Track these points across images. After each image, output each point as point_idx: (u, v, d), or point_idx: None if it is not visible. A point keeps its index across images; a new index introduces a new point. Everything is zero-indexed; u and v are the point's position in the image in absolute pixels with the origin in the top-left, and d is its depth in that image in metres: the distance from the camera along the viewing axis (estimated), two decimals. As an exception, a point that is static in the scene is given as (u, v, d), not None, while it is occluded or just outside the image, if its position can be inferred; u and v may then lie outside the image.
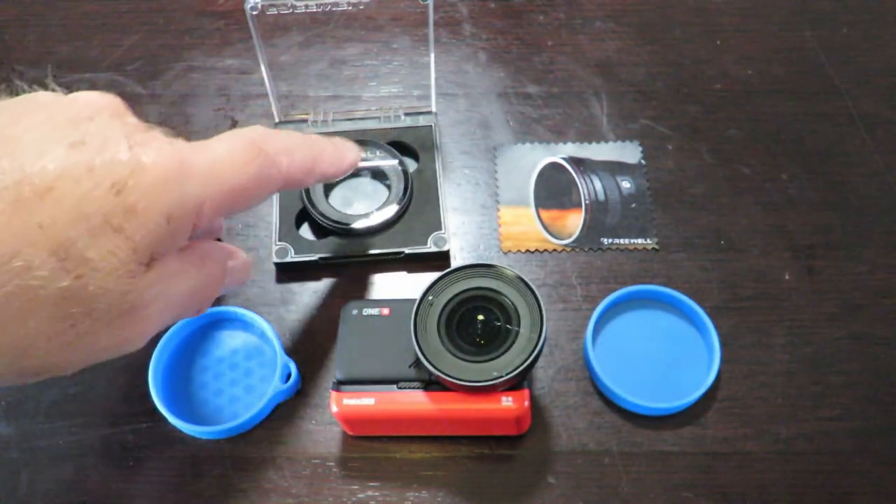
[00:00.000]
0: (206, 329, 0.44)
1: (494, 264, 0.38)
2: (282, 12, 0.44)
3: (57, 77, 0.55)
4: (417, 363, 0.38)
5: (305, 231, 0.47)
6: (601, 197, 0.49)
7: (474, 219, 0.49)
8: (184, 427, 0.40)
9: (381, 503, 0.39)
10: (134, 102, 0.54)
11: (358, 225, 0.46)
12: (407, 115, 0.51)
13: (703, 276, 0.46)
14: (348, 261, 0.46)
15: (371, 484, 0.40)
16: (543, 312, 0.37)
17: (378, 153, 0.49)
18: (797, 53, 0.55)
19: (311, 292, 0.46)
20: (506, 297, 0.38)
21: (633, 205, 0.49)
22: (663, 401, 0.41)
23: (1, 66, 0.56)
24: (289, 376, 0.42)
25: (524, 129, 0.52)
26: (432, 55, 0.47)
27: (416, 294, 0.38)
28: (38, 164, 0.27)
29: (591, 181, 0.50)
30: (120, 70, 0.55)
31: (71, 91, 0.32)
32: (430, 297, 0.38)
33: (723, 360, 0.42)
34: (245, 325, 0.44)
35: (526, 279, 0.38)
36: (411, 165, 0.49)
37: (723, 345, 0.42)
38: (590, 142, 0.51)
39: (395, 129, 0.50)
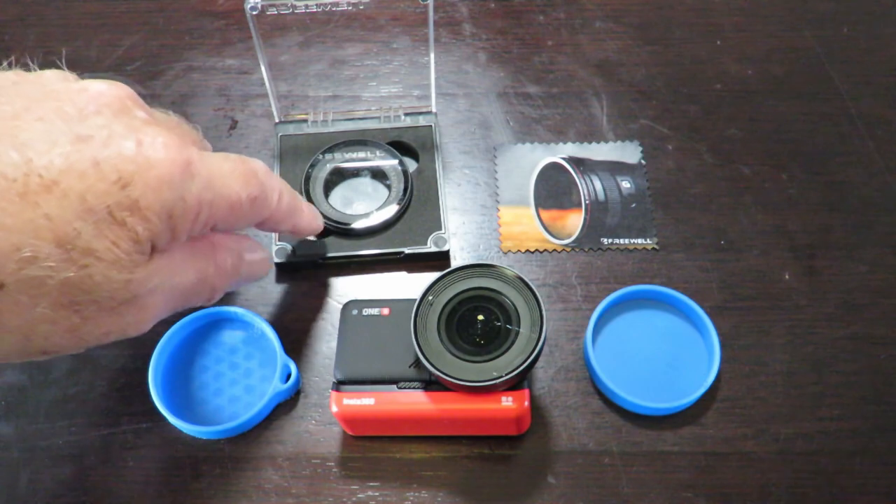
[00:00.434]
0: (206, 329, 0.44)
1: (494, 264, 0.38)
2: (282, 12, 0.44)
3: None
4: (417, 363, 0.38)
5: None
6: (601, 197, 0.49)
7: (474, 219, 0.49)
8: (184, 427, 0.40)
9: (381, 503, 0.39)
10: (134, 102, 0.54)
11: (358, 225, 0.46)
12: (407, 115, 0.51)
13: (703, 276, 0.46)
14: (348, 261, 0.46)
15: (371, 484, 0.40)
16: (543, 312, 0.37)
17: (378, 153, 0.49)
18: (797, 53, 0.55)
19: (311, 292, 0.46)
20: (506, 297, 0.38)
21: (633, 205, 0.49)
22: (663, 401, 0.41)
23: (1, 66, 0.56)
24: (289, 376, 0.42)
25: (524, 129, 0.52)
26: (432, 55, 0.47)
27: (416, 294, 0.38)
28: (46, 158, 0.28)
29: (591, 181, 0.50)
30: (120, 70, 0.55)
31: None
32: (430, 297, 0.38)
33: (723, 360, 0.42)
34: (245, 326, 0.44)
35: (526, 279, 0.38)
36: (411, 165, 0.49)
37: (723, 345, 0.42)
38: (590, 142, 0.51)
39: (395, 129, 0.50)
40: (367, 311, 0.40)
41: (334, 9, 0.44)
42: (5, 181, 0.27)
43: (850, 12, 0.57)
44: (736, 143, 0.51)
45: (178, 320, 0.43)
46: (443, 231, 0.46)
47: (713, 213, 0.48)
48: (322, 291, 0.46)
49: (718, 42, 0.56)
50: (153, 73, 0.55)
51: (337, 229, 0.46)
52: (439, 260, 0.46)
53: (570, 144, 0.51)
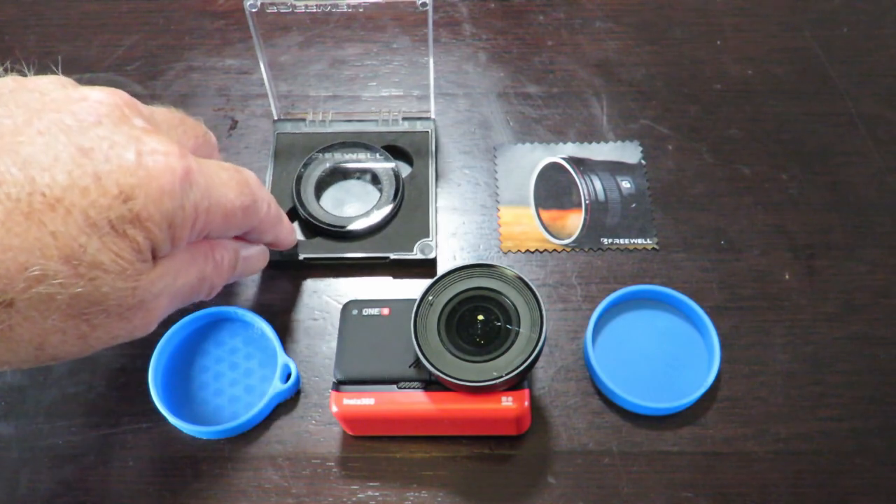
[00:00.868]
0: (206, 329, 0.44)
1: (494, 264, 0.38)
2: (282, 11, 0.44)
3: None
4: (417, 363, 0.38)
5: (295, 230, 0.47)
6: (601, 197, 0.49)
7: (474, 219, 0.49)
8: (184, 427, 0.40)
9: (381, 503, 0.39)
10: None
11: (346, 227, 0.46)
12: (405, 119, 0.51)
13: (703, 276, 0.46)
14: (333, 262, 0.46)
15: (371, 484, 0.40)
16: (543, 312, 0.37)
17: (372, 156, 0.49)
18: (797, 53, 0.55)
19: (310, 292, 0.46)
20: (506, 297, 0.38)
21: (633, 205, 0.49)
22: (663, 401, 0.41)
23: (1, 66, 0.56)
24: (289, 376, 0.42)
25: (524, 129, 0.52)
26: (431, 60, 0.47)
27: (416, 294, 0.38)
28: (48, 175, 0.28)
29: (591, 181, 0.50)
30: (120, 70, 0.55)
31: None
32: (430, 297, 0.38)
33: (723, 360, 0.42)
34: (245, 325, 0.44)
35: (526, 279, 0.38)
36: (405, 170, 0.49)
37: (723, 345, 0.42)
38: (590, 142, 0.51)
39: (391, 132, 0.50)
40: (367, 311, 0.40)
41: (334, 9, 0.44)
42: (10, 202, 0.27)
43: (850, 12, 0.57)
44: (736, 143, 0.51)
45: (178, 320, 0.43)
46: (430, 239, 0.46)
47: (713, 213, 0.48)
48: (322, 291, 0.46)
49: (718, 42, 0.56)
50: (153, 73, 0.55)
51: (325, 230, 0.46)
52: (426, 267, 0.46)
53: (570, 144, 0.51)
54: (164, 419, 0.41)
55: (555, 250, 0.47)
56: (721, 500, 0.39)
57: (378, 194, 0.48)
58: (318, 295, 0.46)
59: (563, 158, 0.51)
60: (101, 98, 0.31)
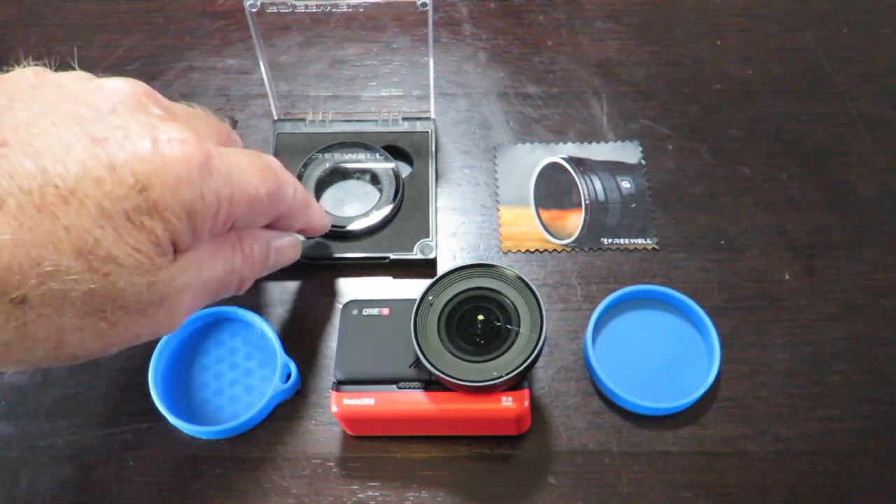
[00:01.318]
0: (206, 329, 0.44)
1: (494, 264, 0.38)
2: (282, 11, 0.44)
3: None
4: (417, 363, 0.38)
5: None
6: (601, 197, 0.49)
7: (474, 219, 0.49)
8: (184, 427, 0.40)
9: (381, 503, 0.39)
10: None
11: (346, 227, 0.46)
12: (405, 119, 0.51)
13: (703, 276, 0.46)
14: (333, 262, 0.46)
15: (371, 484, 0.40)
16: (543, 312, 0.37)
17: (372, 156, 0.49)
18: (797, 53, 0.55)
19: (311, 292, 0.46)
20: (506, 297, 0.38)
21: (633, 205, 0.49)
22: (663, 401, 0.41)
23: (1, 66, 0.56)
24: (289, 376, 0.42)
25: (524, 129, 0.52)
26: (431, 60, 0.47)
27: (416, 294, 0.38)
28: (61, 166, 0.27)
29: (591, 181, 0.50)
30: (120, 70, 0.55)
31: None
32: (430, 297, 0.38)
33: (723, 360, 0.42)
34: (245, 325, 0.44)
35: (526, 279, 0.38)
36: (405, 170, 0.49)
37: (723, 345, 0.42)
38: (590, 142, 0.51)
39: (391, 132, 0.50)
40: (367, 311, 0.40)
41: (334, 9, 0.44)
42: (22, 194, 0.26)
43: (850, 12, 0.57)
44: (736, 143, 0.51)
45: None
46: (430, 239, 0.46)
47: (713, 213, 0.48)
48: (322, 291, 0.46)
49: (718, 42, 0.56)
50: (153, 73, 0.55)
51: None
52: (425, 267, 0.46)
53: (570, 144, 0.51)
54: (164, 419, 0.41)
55: (555, 250, 0.47)
56: (721, 500, 0.39)
57: (378, 194, 0.48)
58: (318, 295, 0.46)
59: (563, 158, 0.51)
60: (118, 86, 0.31)
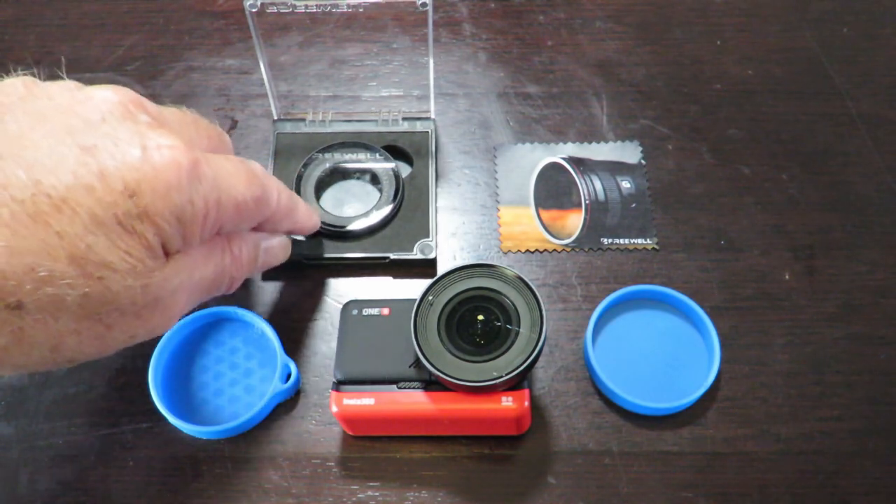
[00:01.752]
0: (206, 329, 0.44)
1: (494, 264, 0.38)
2: (282, 11, 0.44)
3: (57, 77, 0.55)
4: (417, 363, 0.38)
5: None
6: (601, 197, 0.49)
7: (474, 219, 0.49)
8: (184, 427, 0.40)
9: (381, 503, 0.39)
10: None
11: (346, 227, 0.46)
12: (405, 119, 0.51)
13: (703, 276, 0.46)
14: (334, 262, 0.46)
15: (371, 484, 0.40)
16: (543, 312, 0.37)
17: (372, 156, 0.49)
18: (797, 53, 0.55)
19: (310, 292, 0.46)
20: (506, 297, 0.38)
21: (633, 205, 0.49)
22: (663, 401, 0.41)
23: (1, 66, 0.56)
24: (289, 376, 0.42)
25: (524, 129, 0.52)
26: (431, 60, 0.47)
27: (416, 294, 0.38)
28: (53, 176, 0.28)
29: (591, 181, 0.50)
30: (120, 70, 0.55)
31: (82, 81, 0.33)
32: (430, 297, 0.38)
33: (723, 360, 0.42)
34: (245, 325, 0.44)
35: (526, 279, 0.38)
36: (405, 170, 0.49)
37: (723, 345, 0.42)
38: (590, 142, 0.51)
39: (391, 132, 0.50)
40: (367, 311, 0.40)
41: (334, 9, 0.44)
42: (15, 203, 0.27)
43: (850, 12, 0.57)
44: (736, 143, 0.51)
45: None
46: (430, 239, 0.46)
47: (713, 213, 0.48)
48: (322, 291, 0.46)
49: (718, 42, 0.56)
50: (153, 73, 0.55)
51: (325, 230, 0.46)
52: (425, 267, 0.46)
53: (570, 144, 0.51)
54: (164, 419, 0.41)
55: (555, 250, 0.47)
56: (721, 500, 0.39)
57: (378, 194, 0.48)
58: (318, 295, 0.46)
59: (563, 158, 0.51)
60: (106, 96, 0.31)
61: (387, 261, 0.46)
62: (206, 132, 0.38)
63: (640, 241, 0.47)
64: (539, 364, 0.43)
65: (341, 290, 0.46)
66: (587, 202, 0.49)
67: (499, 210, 0.49)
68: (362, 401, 0.38)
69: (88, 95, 0.31)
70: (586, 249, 0.47)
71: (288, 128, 0.51)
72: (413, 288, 0.46)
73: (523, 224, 0.48)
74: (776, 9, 0.58)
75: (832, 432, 0.41)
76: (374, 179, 0.49)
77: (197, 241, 0.33)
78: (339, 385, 0.38)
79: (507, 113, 0.53)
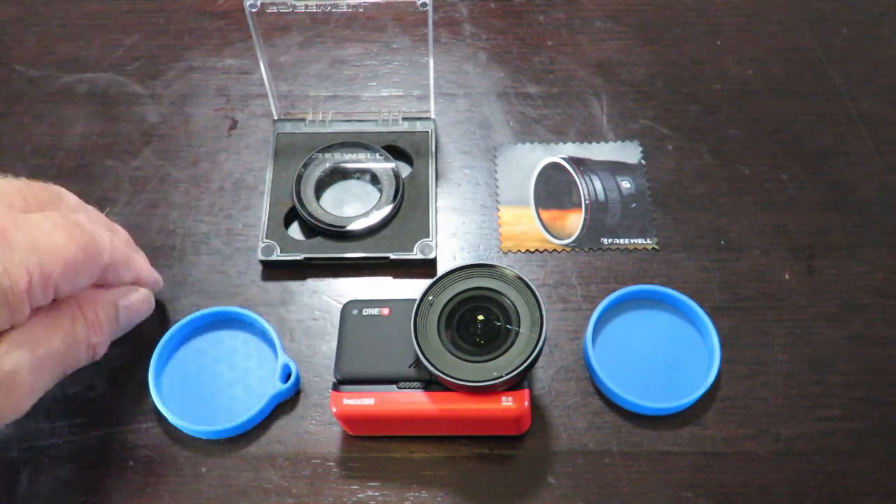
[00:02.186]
0: (206, 329, 0.44)
1: (494, 264, 0.38)
2: (282, 11, 0.44)
3: (57, 77, 0.55)
4: (417, 363, 0.38)
5: (294, 230, 0.47)
6: (601, 197, 0.49)
7: (474, 219, 0.49)
8: (184, 427, 0.40)
9: (381, 503, 0.39)
10: (134, 102, 0.54)
11: (346, 227, 0.46)
12: (405, 119, 0.51)
13: (703, 276, 0.46)
14: (334, 262, 0.46)
15: (371, 484, 0.40)
16: (543, 312, 0.37)
17: (372, 156, 0.49)
18: (797, 53, 0.55)
19: (310, 292, 0.46)
20: (506, 297, 0.38)
21: (633, 205, 0.49)
22: (663, 401, 0.41)
23: (1, 65, 0.56)
24: (289, 376, 0.42)
25: (524, 129, 0.52)
26: (431, 60, 0.47)
27: (416, 294, 0.38)
28: None
29: (591, 181, 0.50)
30: (120, 70, 0.55)
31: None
32: (430, 297, 0.38)
33: (723, 360, 0.42)
34: (245, 325, 0.44)
35: (526, 279, 0.38)
36: (405, 170, 0.49)
37: (723, 345, 0.42)
38: (590, 142, 0.51)
39: (391, 132, 0.50)
40: (367, 311, 0.40)
41: (334, 9, 0.44)
42: None
43: (850, 12, 0.57)
44: (736, 143, 0.51)
45: (177, 321, 0.43)
46: (430, 239, 0.46)
47: (713, 213, 0.48)
48: (322, 291, 0.46)
49: (718, 42, 0.56)
50: (153, 73, 0.55)
51: (325, 230, 0.46)
52: (426, 267, 0.46)
53: (570, 144, 0.51)
54: (164, 419, 0.41)
55: (555, 250, 0.47)
56: (721, 500, 0.39)
57: (378, 194, 0.48)
58: (318, 295, 0.46)
59: (563, 158, 0.51)
60: None
61: (387, 261, 0.46)
62: (33, 193, 0.35)
63: (640, 241, 0.47)
64: (539, 364, 0.43)
65: (341, 290, 0.46)
66: (587, 202, 0.49)
67: (499, 210, 0.49)
68: (362, 401, 0.38)
69: None
70: (586, 249, 0.47)
71: (288, 128, 0.51)
72: (413, 288, 0.46)
73: (523, 224, 0.48)
74: (776, 9, 0.58)
75: (832, 432, 0.41)
76: (374, 179, 0.49)
77: (26, 313, 0.31)
78: (338, 385, 0.38)
79: (507, 113, 0.53)
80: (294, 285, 0.46)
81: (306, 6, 0.43)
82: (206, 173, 0.50)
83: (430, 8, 0.44)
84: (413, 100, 0.54)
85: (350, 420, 0.39)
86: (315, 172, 0.48)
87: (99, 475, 0.40)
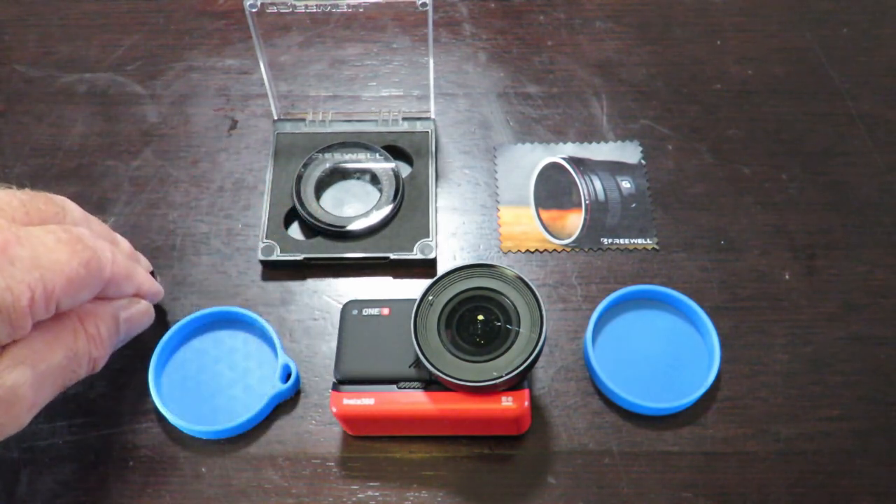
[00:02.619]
0: (206, 329, 0.44)
1: (494, 264, 0.38)
2: (282, 11, 0.44)
3: (57, 77, 0.55)
4: (417, 363, 0.38)
5: (295, 230, 0.47)
6: (601, 197, 0.49)
7: (474, 219, 0.49)
8: (184, 427, 0.40)
9: (381, 503, 0.39)
10: (133, 102, 0.54)
11: (346, 227, 0.46)
12: (405, 119, 0.51)
13: (703, 276, 0.46)
14: (334, 262, 0.46)
15: (371, 484, 0.40)
16: (543, 312, 0.37)
17: (372, 156, 0.49)
18: (797, 53, 0.55)
19: (310, 292, 0.46)
20: (506, 297, 0.38)
21: (633, 205, 0.49)
22: (663, 401, 0.41)
23: (1, 65, 0.56)
24: (289, 376, 0.42)
25: (524, 129, 0.52)
26: (431, 60, 0.47)
27: (416, 294, 0.38)
28: None
29: (591, 181, 0.50)
30: (120, 70, 0.55)
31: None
32: (430, 297, 0.38)
33: (723, 360, 0.42)
34: (245, 325, 0.44)
35: (526, 279, 0.38)
36: (406, 170, 0.49)
37: (723, 345, 0.42)
38: (590, 142, 0.51)
39: (392, 132, 0.50)
40: (367, 311, 0.40)
41: (334, 9, 0.44)
42: None
43: (850, 12, 0.57)
44: (736, 143, 0.51)
45: (177, 321, 0.43)
46: (430, 239, 0.46)
47: (713, 213, 0.48)
48: (322, 291, 0.46)
49: (718, 42, 0.56)
50: (153, 73, 0.55)
51: (325, 230, 0.46)
52: (426, 267, 0.46)
53: (570, 144, 0.51)
54: (164, 419, 0.41)
55: (555, 250, 0.47)
56: (721, 500, 0.39)
57: (378, 194, 0.48)
58: (318, 295, 0.46)
59: (563, 158, 0.51)
60: None
61: (387, 261, 0.46)
62: (36, 206, 0.35)
63: (640, 241, 0.47)
64: (539, 364, 0.43)
65: (341, 290, 0.46)
66: (587, 202, 0.49)
67: (499, 210, 0.49)
68: (362, 401, 0.38)
69: None
70: (586, 249, 0.47)
71: (288, 128, 0.51)
72: (413, 288, 0.46)
73: (523, 224, 0.48)
74: (776, 9, 0.58)
75: (832, 432, 0.41)
76: (374, 179, 0.49)
77: (28, 328, 0.31)
78: (338, 385, 0.38)
79: (507, 113, 0.53)
80: (294, 285, 0.46)
81: (306, 6, 0.43)
82: (206, 173, 0.50)
83: (430, 8, 0.44)
84: (413, 100, 0.54)
85: (350, 420, 0.39)
86: (315, 172, 0.48)
87: (99, 475, 0.40)
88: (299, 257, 0.45)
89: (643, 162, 0.50)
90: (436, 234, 0.47)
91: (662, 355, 0.43)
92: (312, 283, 0.46)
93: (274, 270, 0.46)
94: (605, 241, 0.47)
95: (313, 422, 0.42)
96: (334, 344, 0.41)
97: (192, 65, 0.56)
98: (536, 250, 0.47)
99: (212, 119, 0.53)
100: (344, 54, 0.56)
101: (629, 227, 0.48)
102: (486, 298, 0.38)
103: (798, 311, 0.45)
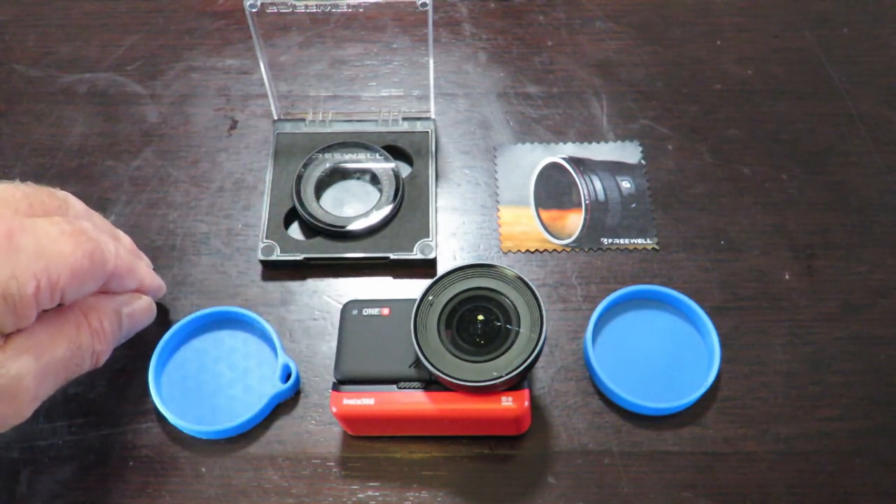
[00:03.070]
0: (206, 329, 0.44)
1: (494, 264, 0.38)
2: (282, 11, 0.44)
3: (57, 77, 0.55)
4: (417, 363, 0.38)
5: (295, 230, 0.47)
6: (601, 197, 0.49)
7: (474, 219, 0.49)
8: (184, 427, 0.40)
9: (381, 503, 0.39)
10: (134, 102, 0.54)
11: (346, 227, 0.46)
12: (405, 119, 0.51)
13: (703, 276, 0.46)
14: (334, 262, 0.46)
15: (371, 484, 0.40)
16: (543, 312, 0.37)
17: (372, 156, 0.49)
18: (797, 53, 0.55)
19: (310, 292, 0.46)
20: (506, 297, 0.38)
21: (633, 205, 0.49)
22: (663, 401, 0.41)
23: (1, 66, 0.56)
24: (289, 376, 0.42)
25: (524, 129, 0.52)
26: (431, 60, 0.47)
27: (416, 294, 0.38)
28: None
29: (591, 181, 0.50)
30: (120, 70, 0.55)
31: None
32: (430, 297, 0.38)
33: (723, 360, 0.42)
34: (245, 325, 0.44)
35: (526, 279, 0.38)
36: (406, 170, 0.49)
37: (723, 345, 0.42)
38: (590, 142, 0.51)
39: (392, 132, 0.50)
40: (367, 311, 0.40)
41: (334, 9, 0.44)
42: None
43: (850, 12, 0.57)
44: (736, 143, 0.51)
45: (177, 321, 0.43)
46: (430, 239, 0.46)
47: (713, 213, 0.48)
48: (322, 291, 0.46)
49: (718, 42, 0.56)
50: (153, 73, 0.55)
51: (325, 230, 0.46)
52: (426, 267, 0.46)
53: (570, 144, 0.51)
54: (164, 419, 0.41)
55: (555, 250, 0.47)
56: (721, 500, 0.39)
57: (378, 194, 0.48)
58: (318, 295, 0.46)
59: (563, 158, 0.51)
60: None
61: (387, 261, 0.46)
62: (40, 199, 0.35)
63: (640, 241, 0.47)
64: (539, 364, 0.43)
65: (341, 290, 0.46)
66: (587, 202, 0.49)
67: (499, 210, 0.49)
68: (362, 401, 0.38)
69: None
70: (586, 249, 0.47)
71: (288, 128, 0.51)
72: (413, 288, 0.46)
73: (523, 224, 0.48)
74: (776, 9, 0.58)
75: (832, 432, 0.41)
76: (374, 179, 0.49)
77: (32, 318, 0.31)
78: (338, 385, 0.38)
79: (507, 113, 0.53)
80: (294, 285, 0.46)
81: (306, 6, 0.43)
82: (206, 173, 0.50)
83: (430, 8, 0.44)
84: (413, 100, 0.54)
85: (350, 420, 0.39)
86: (315, 172, 0.48)
87: (99, 475, 0.40)
88: (299, 257, 0.45)
89: (643, 162, 0.50)
90: (436, 234, 0.47)
91: (662, 355, 0.43)
92: (312, 283, 0.46)
93: (274, 270, 0.46)
94: (605, 241, 0.47)
95: (313, 422, 0.42)
96: (334, 344, 0.41)
97: (192, 65, 0.56)
98: (536, 250, 0.47)
99: (212, 119, 0.53)
100: (344, 54, 0.56)
101: (629, 227, 0.48)
102: (486, 298, 0.38)
103: (798, 311, 0.45)
